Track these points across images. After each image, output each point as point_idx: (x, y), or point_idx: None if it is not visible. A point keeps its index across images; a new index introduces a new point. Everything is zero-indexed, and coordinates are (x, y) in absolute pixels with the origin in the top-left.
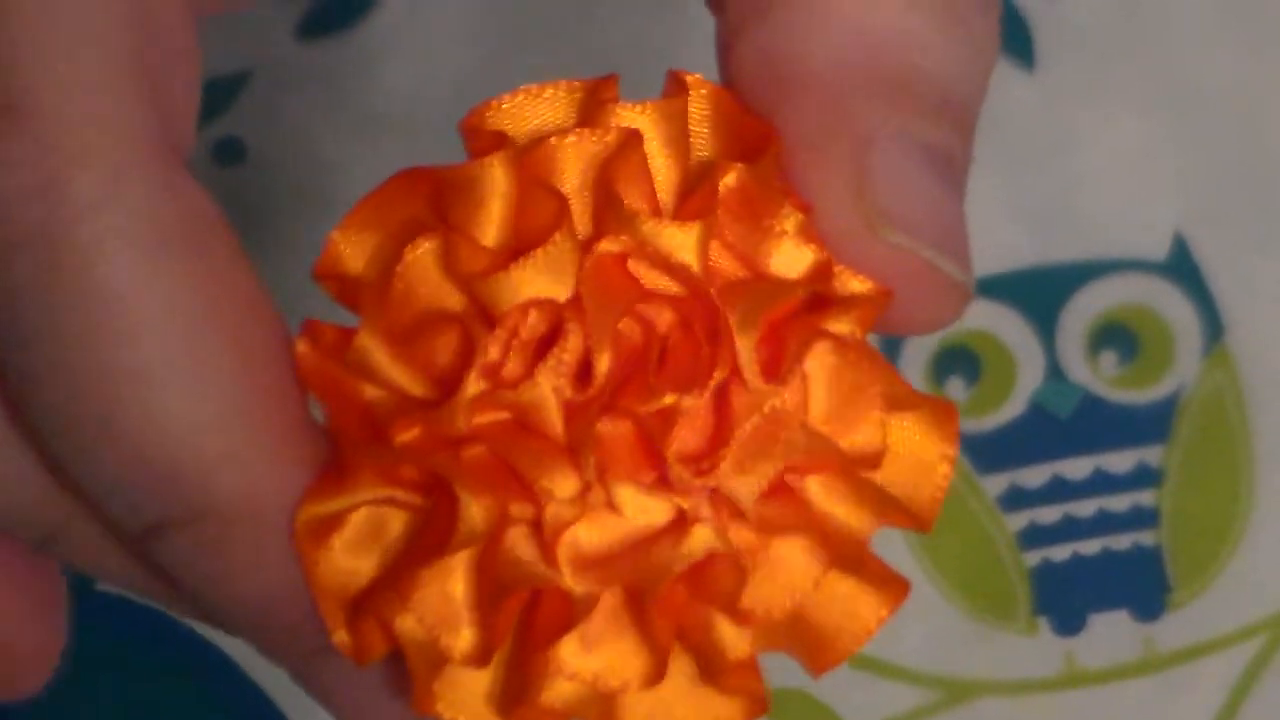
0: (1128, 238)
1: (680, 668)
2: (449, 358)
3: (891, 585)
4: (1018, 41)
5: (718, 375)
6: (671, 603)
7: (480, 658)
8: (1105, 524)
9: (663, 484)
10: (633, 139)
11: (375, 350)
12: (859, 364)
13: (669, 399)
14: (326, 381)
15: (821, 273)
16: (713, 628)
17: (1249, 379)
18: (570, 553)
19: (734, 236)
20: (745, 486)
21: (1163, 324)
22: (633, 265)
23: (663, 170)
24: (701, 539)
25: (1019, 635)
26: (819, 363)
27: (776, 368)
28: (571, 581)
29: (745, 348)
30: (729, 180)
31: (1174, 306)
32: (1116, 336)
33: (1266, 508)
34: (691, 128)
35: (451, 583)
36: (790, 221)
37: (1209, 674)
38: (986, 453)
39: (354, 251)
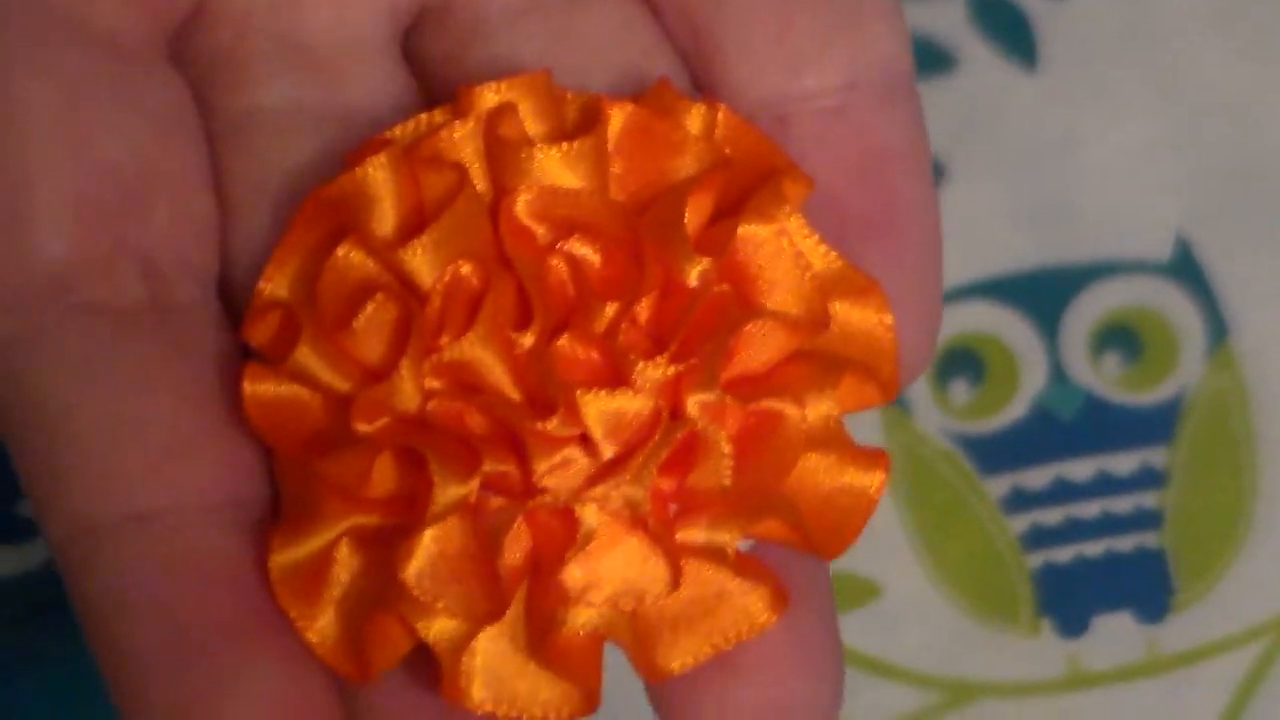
0: (1130, 239)
1: (693, 570)
2: (389, 346)
3: (874, 458)
4: (1020, 42)
5: (651, 279)
6: (665, 515)
7: (495, 612)
8: (1109, 526)
9: (629, 386)
10: (506, 109)
11: (313, 357)
12: (787, 246)
13: (610, 309)
14: (273, 416)
15: (723, 163)
16: (709, 524)
17: (1253, 380)
18: (561, 480)
19: (638, 165)
20: (707, 367)
21: (1166, 325)
22: (539, 219)
23: (539, 130)
24: (692, 407)
25: (1022, 637)
26: (748, 248)
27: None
28: (573, 505)
29: (677, 240)
30: (615, 121)
31: (1177, 308)
32: (1120, 338)
33: (1271, 509)
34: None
35: (444, 552)
36: (694, 119)
37: (1213, 676)
38: (989, 455)
39: (279, 287)
